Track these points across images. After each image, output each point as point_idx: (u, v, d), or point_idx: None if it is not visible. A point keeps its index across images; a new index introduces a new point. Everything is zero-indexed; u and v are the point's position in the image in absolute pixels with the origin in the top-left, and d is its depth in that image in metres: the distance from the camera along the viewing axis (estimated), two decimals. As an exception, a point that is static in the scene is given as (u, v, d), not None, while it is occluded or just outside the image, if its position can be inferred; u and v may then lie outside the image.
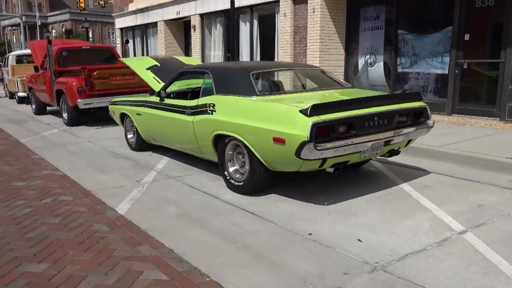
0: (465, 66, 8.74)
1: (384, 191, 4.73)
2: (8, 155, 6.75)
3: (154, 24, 18.48)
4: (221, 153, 4.93)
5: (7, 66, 17.39)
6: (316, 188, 4.84)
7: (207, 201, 4.56)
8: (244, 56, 13.92)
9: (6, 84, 18.14)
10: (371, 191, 4.70)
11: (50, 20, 65.76)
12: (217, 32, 15.02)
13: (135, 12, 19.56)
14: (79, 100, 9.27)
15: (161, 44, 17.73)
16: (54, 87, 10.45)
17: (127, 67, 10.24)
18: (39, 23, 53.34)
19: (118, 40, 21.70)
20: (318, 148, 3.85)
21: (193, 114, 5.24)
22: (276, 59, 12.73)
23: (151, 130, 6.39)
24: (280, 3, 11.86)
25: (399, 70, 10.15)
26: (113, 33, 65.94)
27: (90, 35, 44.93)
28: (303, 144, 3.83)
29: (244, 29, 13.75)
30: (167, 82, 6.15)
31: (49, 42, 10.43)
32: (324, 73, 5.77)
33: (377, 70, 10.66)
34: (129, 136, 7.27)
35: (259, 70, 5.25)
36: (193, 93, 6.38)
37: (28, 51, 19.61)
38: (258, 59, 13.49)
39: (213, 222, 3.96)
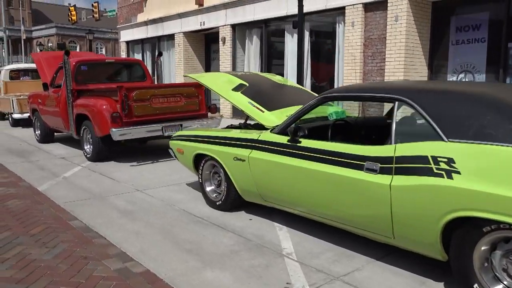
0: None
1: None
2: (30, 220, 4.36)
3: (170, 37, 16.28)
4: (472, 253, 2.69)
5: (-2, 83, 14.85)
6: None
7: None
8: (289, 74, 11.76)
9: (-4, 103, 15.54)
10: None
11: (34, 34, 62.85)
12: (253, 46, 12.88)
13: (146, 23, 17.34)
14: (113, 129, 6.91)
15: (179, 59, 15.50)
16: (71, 110, 8.08)
17: (171, 85, 7.95)
18: (24, 37, 50.51)
19: (124, 55, 19.36)
20: None
21: (386, 172, 3.00)
22: (336, 78, 10.60)
23: (268, 187, 4.09)
24: (347, 11, 9.81)
25: None
26: (101, 48, 63.42)
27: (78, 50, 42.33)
28: None
29: (290, 42, 11.65)
30: (298, 113, 3.91)
31: (67, 53, 8.08)
32: None
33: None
34: (210, 188, 4.97)
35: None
36: (345, 132, 4.13)
37: (23, 65, 17.15)
38: (309, 78, 11.35)
39: None
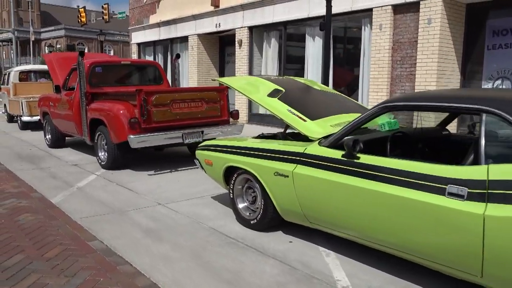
0: None
1: None
2: (45, 240, 3.88)
3: (184, 39, 15.84)
4: None
5: (7, 84, 14.47)
6: None
7: None
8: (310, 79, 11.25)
9: (5, 105, 15.17)
10: None
11: (43, 36, 62.88)
12: (271, 49, 12.40)
13: (158, 25, 16.93)
14: (131, 136, 6.43)
15: (192, 61, 15.05)
16: (85, 114, 7.62)
17: (192, 89, 7.49)
18: (33, 39, 50.42)
19: (135, 57, 18.94)
20: None
21: (477, 198, 2.49)
22: (361, 84, 10.09)
23: (316, 207, 3.59)
24: (374, 13, 9.30)
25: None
26: (109, 50, 63.22)
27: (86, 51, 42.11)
28: None
29: (311, 45, 11.15)
30: (353, 124, 3.41)
31: (81, 54, 7.63)
32: None
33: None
34: (243, 205, 4.48)
35: None
36: (404, 145, 3.63)
37: (33, 66, 16.79)
38: (331, 83, 10.84)
39: None
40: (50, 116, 9.35)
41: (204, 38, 15.01)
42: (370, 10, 9.45)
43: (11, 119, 15.02)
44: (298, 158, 3.68)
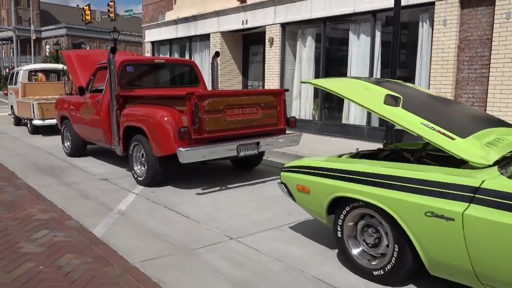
0: None
1: None
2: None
3: (204, 37, 14.76)
4: None
5: (16, 84, 13.36)
6: None
7: None
8: (353, 80, 10.16)
9: (12, 106, 14.06)
10: None
11: (43, 35, 61.70)
12: (306, 48, 11.34)
13: (175, 22, 15.85)
14: (181, 149, 5.34)
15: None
16: (116, 121, 6.55)
17: (247, 93, 6.45)
18: (34, 38, 49.20)
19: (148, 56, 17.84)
20: None
21: None
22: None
23: (505, 266, 2.51)
24: (437, 7, 8.26)
25: None
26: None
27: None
28: None
29: (355, 44, 10.10)
30: None
31: (113, 50, 6.56)
32: None
33: None
34: (358, 250, 3.41)
35: None
36: None
37: (43, 65, 15.70)
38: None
39: None
40: (70, 121, 8.26)
41: (228, 36, 13.95)
42: (431, 4, 8.41)
43: (18, 122, 13.91)
44: (471, 194, 2.61)
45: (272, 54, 12.02)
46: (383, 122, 9.87)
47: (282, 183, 3.99)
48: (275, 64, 11.93)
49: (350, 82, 3.93)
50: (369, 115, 9.81)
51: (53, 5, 79.91)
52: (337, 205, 3.49)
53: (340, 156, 4.00)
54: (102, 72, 7.55)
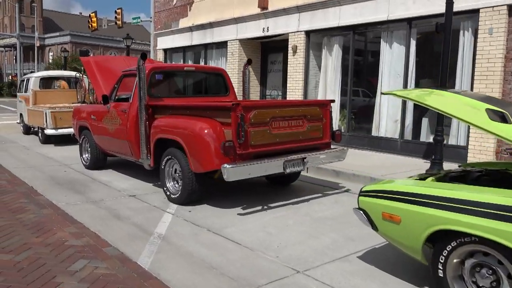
0: None
1: None
2: None
3: (220, 44, 14.30)
4: None
5: (26, 91, 12.86)
6: None
7: None
8: (384, 95, 9.63)
9: (22, 114, 13.55)
10: None
11: (47, 42, 61.42)
12: (332, 57, 10.86)
13: (190, 29, 15.39)
14: (227, 166, 4.80)
15: (232, 69, 13.49)
16: (145, 132, 6.02)
17: (293, 103, 5.96)
18: (38, 45, 48.86)
19: (160, 64, 17.37)
20: None
21: None
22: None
23: None
24: (481, 14, 7.79)
25: None
26: (114, 58, 61.64)
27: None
28: None
29: (387, 53, 9.61)
30: None
31: (143, 56, 6.05)
32: None
33: None
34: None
35: None
36: None
37: (55, 72, 15.24)
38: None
39: None
40: (90, 131, 7.73)
41: (246, 43, 13.48)
42: (475, 11, 7.93)
43: (27, 130, 13.38)
44: None
45: (295, 62, 11.54)
46: (417, 135, 9.36)
47: (360, 209, 3.45)
48: (299, 73, 11.44)
49: (436, 94, 3.41)
50: (402, 127, 9.29)
51: (56, 13, 79.80)
52: (437, 239, 2.95)
53: (423, 178, 3.49)
54: (127, 80, 7.07)
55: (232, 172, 4.79)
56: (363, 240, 4.35)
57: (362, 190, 3.47)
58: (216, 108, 5.39)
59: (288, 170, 5.35)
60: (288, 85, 11.81)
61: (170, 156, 5.68)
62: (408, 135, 9.36)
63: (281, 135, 5.39)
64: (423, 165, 8.03)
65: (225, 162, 4.87)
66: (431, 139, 9.34)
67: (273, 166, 5.20)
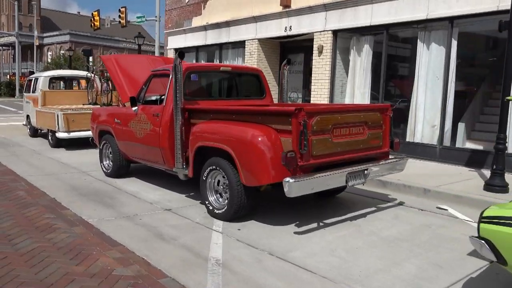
0: None
1: None
2: None
3: (236, 44, 13.71)
4: None
5: (34, 92, 12.20)
6: None
7: None
8: (420, 99, 9.10)
9: (28, 116, 12.88)
10: None
11: (45, 41, 60.64)
12: (362, 58, 10.28)
13: (204, 28, 14.79)
14: (289, 180, 4.18)
15: (250, 70, 12.85)
16: (180, 138, 5.41)
17: (353, 108, 5.37)
18: (37, 43, 48.08)
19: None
20: None
21: None
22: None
23: None
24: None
25: None
26: (114, 58, 60.86)
27: (90, 60, 39.76)
28: None
29: (424, 54, 9.04)
30: None
31: (181, 55, 5.43)
32: None
33: None
34: None
35: None
36: None
37: (65, 72, 14.57)
38: (451, 103, 8.71)
39: None
40: (114, 136, 7.10)
41: (266, 43, 12.88)
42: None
43: (34, 133, 12.72)
44: None
45: (321, 63, 10.95)
46: (454, 140, 8.80)
47: (482, 238, 2.85)
48: (325, 74, 10.85)
49: None
50: (441, 132, 8.71)
51: (54, 12, 79.05)
52: None
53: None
54: (156, 81, 6.47)
55: (296, 187, 4.18)
56: (452, 268, 3.77)
57: (484, 215, 2.88)
58: (271, 113, 4.79)
59: (350, 183, 4.76)
60: (312, 87, 11.22)
61: (214, 166, 5.06)
62: (447, 141, 8.79)
63: (342, 144, 4.79)
64: (469, 173, 7.48)
65: (283, 175, 4.27)
66: (467, 145, 8.82)
67: (335, 179, 4.61)
